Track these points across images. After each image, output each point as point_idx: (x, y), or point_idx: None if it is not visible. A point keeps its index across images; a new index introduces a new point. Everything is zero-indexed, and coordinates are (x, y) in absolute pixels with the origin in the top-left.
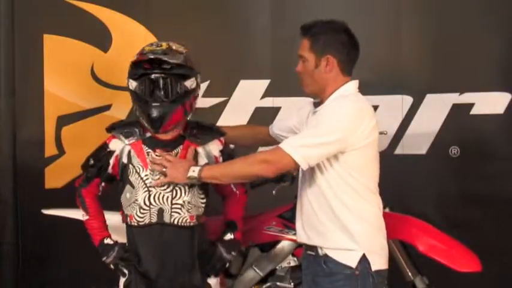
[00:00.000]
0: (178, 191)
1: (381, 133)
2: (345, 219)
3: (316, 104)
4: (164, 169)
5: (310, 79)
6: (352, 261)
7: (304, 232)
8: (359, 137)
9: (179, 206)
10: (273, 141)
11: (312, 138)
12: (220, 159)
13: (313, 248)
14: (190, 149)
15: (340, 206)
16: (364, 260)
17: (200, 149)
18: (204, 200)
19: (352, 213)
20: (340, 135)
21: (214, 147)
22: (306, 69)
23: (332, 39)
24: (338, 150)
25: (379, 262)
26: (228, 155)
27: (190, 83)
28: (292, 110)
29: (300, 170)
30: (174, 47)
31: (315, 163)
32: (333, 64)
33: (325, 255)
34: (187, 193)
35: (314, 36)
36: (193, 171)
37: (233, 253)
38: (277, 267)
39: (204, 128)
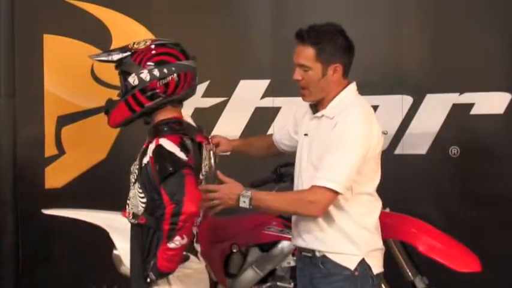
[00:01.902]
0: (131, 186)
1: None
2: (344, 225)
3: (313, 107)
4: (216, 201)
5: (315, 87)
6: (351, 264)
7: (301, 237)
8: (374, 144)
9: (127, 201)
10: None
11: (342, 164)
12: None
13: (310, 250)
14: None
15: (340, 212)
16: (363, 263)
17: (150, 146)
18: (144, 200)
19: (352, 219)
20: (362, 150)
21: (151, 147)
22: (310, 78)
23: (337, 46)
24: (363, 162)
25: (377, 265)
26: (156, 162)
27: (132, 79)
28: (289, 115)
29: (295, 173)
30: (130, 45)
31: (351, 184)
32: (340, 71)
33: (323, 256)
34: (132, 189)
35: (319, 45)
36: (244, 203)
37: (152, 275)
38: (277, 267)
39: (163, 125)
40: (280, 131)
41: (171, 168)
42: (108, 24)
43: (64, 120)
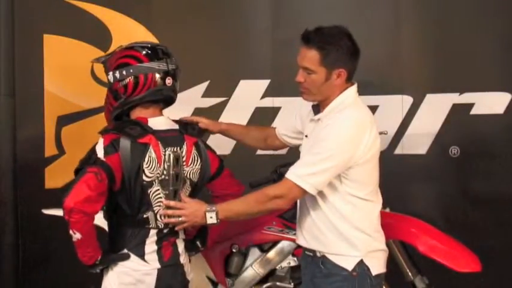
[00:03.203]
0: None
1: (381, 133)
2: (342, 229)
3: (315, 108)
4: (180, 218)
5: (317, 90)
6: (349, 265)
7: (303, 236)
8: (362, 152)
9: None
10: (282, 145)
11: (317, 165)
12: None
13: (312, 249)
14: None
15: (338, 217)
16: (362, 263)
17: None
18: None
19: (350, 223)
20: (344, 156)
21: None
22: (313, 81)
23: (343, 51)
24: (344, 169)
25: (377, 266)
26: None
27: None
28: (294, 109)
29: None
30: (118, 47)
31: (323, 187)
32: (344, 76)
33: (323, 257)
34: None
35: (324, 49)
36: (211, 218)
37: None
38: (277, 267)
39: (112, 125)
40: (284, 124)
41: (80, 164)
42: (108, 24)
43: (64, 120)
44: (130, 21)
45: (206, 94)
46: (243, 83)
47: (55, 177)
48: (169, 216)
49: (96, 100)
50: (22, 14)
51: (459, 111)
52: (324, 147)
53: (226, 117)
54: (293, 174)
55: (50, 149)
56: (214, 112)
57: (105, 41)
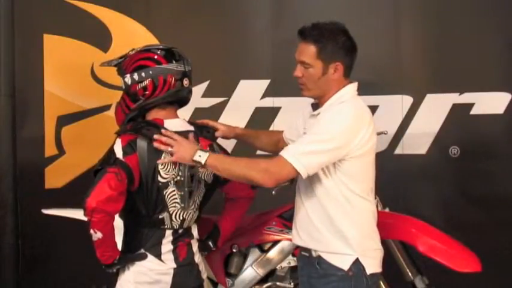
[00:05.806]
0: None
1: (381, 133)
2: (338, 225)
3: (314, 106)
4: (170, 148)
5: (314, 85)
6: (345, 265)
7: (299, 235)
8: (357, 144)
9: None
10: None
11: (311, 145)
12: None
13: (307, 249)
14: None
15: (334, 213)
16: (357, 263)
17: None
18: None
19: (346, 220)
20: (339, 143)
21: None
22: (310, 75)
23: (339, 45)
24: (337, 158)
25: (373, 265)
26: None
27: (122, 83)
28: (294, 109)
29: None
30: (129, 51)
31: (314, 172)
32: (341, 70)
33: (319, 257)
34: None
35: (320, 42)
36: (200, 156)
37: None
38: (277, 267)
39: (129, 126)
40: (289, 129)
41: (100, 165)
42: (108, 24)
43: (64, 120)
44: (130, 21)
45: (206, 94)
46: (243, 83)
47: (55, 177)
48: (162, 143)
49: (96, 100)
50: (22, 14)
51: (459, 111)
52: (322, 129)
53: (226, 117)
54: (286, 151)
55: (50, 149)
56: (214, 112)
57: (105, 41)
